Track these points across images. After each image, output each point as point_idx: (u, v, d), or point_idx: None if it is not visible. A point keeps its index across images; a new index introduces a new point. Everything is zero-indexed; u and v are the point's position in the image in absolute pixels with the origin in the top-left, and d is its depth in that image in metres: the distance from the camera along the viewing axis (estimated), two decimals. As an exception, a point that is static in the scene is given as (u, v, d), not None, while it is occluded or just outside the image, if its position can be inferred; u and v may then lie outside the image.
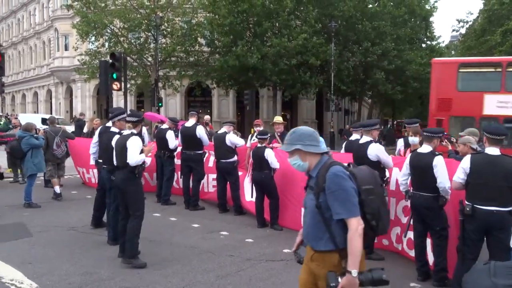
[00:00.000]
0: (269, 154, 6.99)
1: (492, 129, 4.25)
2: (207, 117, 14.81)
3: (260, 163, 7.08)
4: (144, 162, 5.37)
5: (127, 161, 5.13)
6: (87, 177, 10.68)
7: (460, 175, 4.29)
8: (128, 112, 6.09)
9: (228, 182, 8.14)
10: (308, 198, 2.69)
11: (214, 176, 8.66)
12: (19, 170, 10.98)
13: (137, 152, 5.16)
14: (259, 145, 7.27)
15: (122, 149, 5.24)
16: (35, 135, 8.56)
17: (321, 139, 2.77)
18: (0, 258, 5.34)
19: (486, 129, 4.33)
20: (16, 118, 16.87)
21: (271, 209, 7.14)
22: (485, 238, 4.21)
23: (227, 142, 8.02)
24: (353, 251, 2.46)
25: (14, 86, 50.72)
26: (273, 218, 7.13)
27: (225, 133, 8.19)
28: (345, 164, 2.69)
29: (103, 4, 25.07)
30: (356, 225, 2.46)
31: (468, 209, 4.10)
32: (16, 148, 8.78)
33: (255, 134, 8.59)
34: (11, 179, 11.12)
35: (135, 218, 5.22)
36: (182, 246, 6.07)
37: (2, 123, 13.01)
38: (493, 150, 4.15)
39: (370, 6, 28.11)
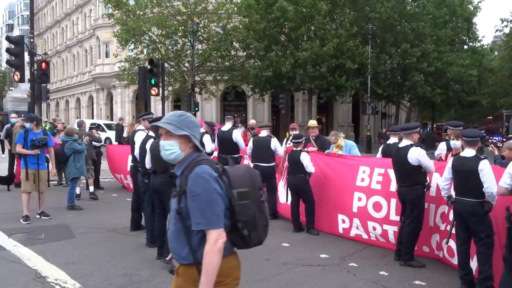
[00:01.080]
0: (305, 158, 6.95)
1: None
2: (252, 121, 14.33)
3: (295, 166, 7.05)
4: None
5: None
6: (126, 183, 10.76)
7: (506, 180, 4.09)
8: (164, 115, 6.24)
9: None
10: (172, 201, 2.33)
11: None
12: (63, 174, 11.42)
13: None
14: (294, 148, 7.25)
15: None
16: (77, 140, 8.90)
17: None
18: (46, 258, 5.56)
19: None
20: (63, 123, 17.56)
21: (307, 213, 7.09)
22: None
23: (272, 146, 8.02)
24: (207, 268, 2.12)
25: (58, 92, 52.92)
26: (309, 222, 7.07)
27: (270, 137, 8.21)
28: (216, 163, 2.32)
29: (141, 12, 25.80)
30: (215, 238, 2.13)
31: (516, 216, 3.91)
32: (60, 152, 9.15)
33: (291, 137, 8.56)
34: (56, 182, 11.58)
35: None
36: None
37: (47, 128, 13.59)
38: (542, 155, 3.95)
39: (409, 7, 27.48)
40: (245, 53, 26.79)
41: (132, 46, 27.63)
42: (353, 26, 23.68)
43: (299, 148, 7.16)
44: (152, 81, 14.76)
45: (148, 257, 5.67)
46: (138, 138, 6.34)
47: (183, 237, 2.23)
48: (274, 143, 8.07)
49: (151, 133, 6.05)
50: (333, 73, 23.83)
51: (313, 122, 8.63)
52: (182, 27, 25.64)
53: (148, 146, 5.71)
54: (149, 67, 15.13)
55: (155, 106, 31.73)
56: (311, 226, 7.04)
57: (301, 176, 6.98)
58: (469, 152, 4.70)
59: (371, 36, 24.82)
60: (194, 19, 24.86)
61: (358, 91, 27.91)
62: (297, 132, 8.96)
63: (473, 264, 4.80)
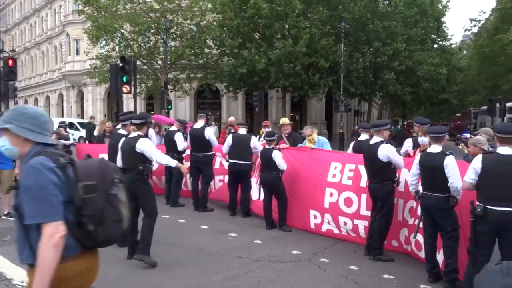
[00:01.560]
0: (277, 156, 6.97)
1: (503, 128, 4.18)
2: (231, 118, 13.40)
3: (267, 164, 7.07)
4: (151, 163, 5.42)
5: (157, 161, 5.55)
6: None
7: (471, 176, 4.22)
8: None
9: (239, 184, 8.12)
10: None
11: (221, 177, 8.67)
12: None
13: (157, 150, 5.51)
14: (267, 146, 7.27)
15: (129, 152, 5.30)
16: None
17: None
18: (12, 260, 5.38)
19: (496, 128, 4.26)
20: None
21: (280, 210, 7.12)
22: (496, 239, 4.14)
23: (252, 144, 8.00)
24: (40, 265, 1.94)
25: (27, 90, 51.39)
26: (281, 219, 7.11)
27: (250, 135, 8.20)
28: (62, 154, 2.16)
29: (113, 9, 25.32)
30: (50, 232, 1.95)
31: (479, 210, 4.02)
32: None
33: (263, 135, 8.59)
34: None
35: (150, 217, 5.32)
36: (191, 247, 6.08)
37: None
38: (505, 150, 4.07)
39: (381, 7, 27.93)
40: (219, 51, 26.67)
41: (104, 43, 27.09)
42: (326, 24, 23.89)
43: (271, 146, 7.20)
44: (124, 79, 14.50)
45: (120, 256, 5.56)
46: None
47: (23, 235, 2.05)
48: (254, 141, 8.09)
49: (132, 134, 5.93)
50: (306, 71, 23.99)
51: (285, 120, 8.67)
52: (155, 24, 25.30)
53: (120, 144, 5.66)
54: (121, 64, 14.86)
55: (127, 104, 31.24)
56: (284, 223, 7.09)
57: (273, 173, 7.01)
58: (435, 148, 4.82)
59: (344, 34, 25.12)
60: (167, 16, 24.56)
61: (331, 89, 28.22)
62: (270, 129, 8.99)
63: (440, 257, 4.92)
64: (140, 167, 5.26)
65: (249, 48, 23.12)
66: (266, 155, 7.09)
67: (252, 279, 4.90)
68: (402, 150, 7.23)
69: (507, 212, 3.91)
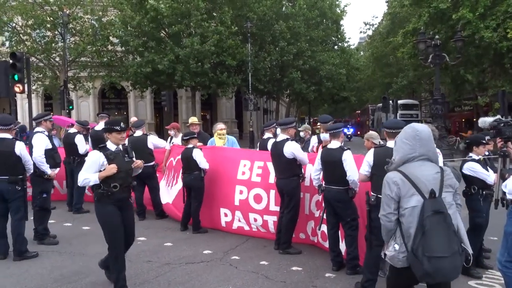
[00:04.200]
0: (197, 155, 6.82)
1: (390, 124, 4.57)
2: (134, 119, 12.75)
3: (188, 164, 6.89)
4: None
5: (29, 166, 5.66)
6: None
7: (365, 168, 4.55)
8: None
9: (146, 187, 7.87)
10: None
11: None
12: None
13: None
14: (187, 146, 7.07)
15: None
16: None
17: None
18: None
19: (385, 124, 4.65)
20: None
21: (193, 211, 6.96)
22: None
23: (149, 145, 7.76)
24: None
25: None
26: (196, 222, 6.96)
27: (146, 135, 7.95)
28: None
29: (2, 0, 22.99)
30: None
31: (373, 199, 4.35)
32: None
33: (180, 136, 8.38)
34: None
35: (20, 220, 5.58)
36: (97, 255, 5.71)
37: None
38: (392, 143, 4.44)
39: (285, 8, 28.91)
40: (123, 48, 25.57)
41: (-9, 37, 24.54)
42: (233, 24, 24.10)
43: (190, 145, 7.02)
44: (16, 77, 13.25)
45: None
46: (37, 141, 6.21)
47: None
48: (151, 140, 7.86)
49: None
50: (214, 69, 24.00)
51: (194, 119, 8.57)
52: (51, 18, 23.46)
53: None
54: (11, 61, 13.56)
55: (23, 104, 28.70)
56: (199, 226, 6.95)
57: (195, 173, 6.85)
58: (334, 144, 5.12)
59: (250, 34, 25.58)
60: (65, 10, 22.91)
61: (240, 87, 28.59)
62: (173, 132, 8.83)
63: (343, 246, 5.24)
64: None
65: (152, 47, 22.48)
66: (187, 155, 6.91)
67: (161, 283, 4.79)
68: (309, 147, 7.57)
69: None
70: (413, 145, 2.93)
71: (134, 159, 4.61)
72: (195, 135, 7.22)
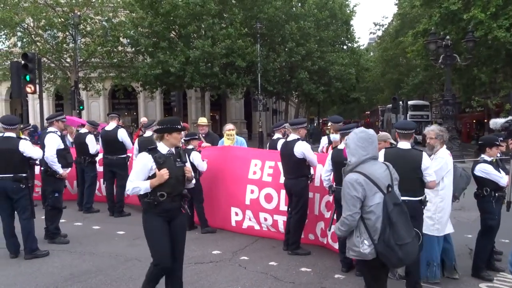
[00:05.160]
0: (195, 157, 6.82)
1: (401, 124, 4.54)
2: (144, 119, 12.29)
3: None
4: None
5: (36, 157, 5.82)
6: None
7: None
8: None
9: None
10: None
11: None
12: None
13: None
14: (187, 147, 7.10)
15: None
16: None
17: None
18: None
19: (396, 125, 4.61)
20: None
21: (198, 213, 7.00)
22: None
23: None
24: None
25: None
26: (203, 222, 7.00)
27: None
28: None
29: (15, 1, 23.27)
30: None
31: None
32: None
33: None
34: None
35: (29, 218, 5.65)
36: (106, 255, 5.80)
37: None
38: (404, 144, 4.42)
39: (294, 9, 28.87)
40: (133, 49, 25.74)
41: (3, 38, 24.81)
42: (243, 25, 24.14)
43: (190, 146, 7.05)
44: (27, 78, 13.42)
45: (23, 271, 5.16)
46: (49, 140, 6.30)
47: None
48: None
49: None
50: (224, 70, 24.06)
51: (202, 120, 8.59)
52: (62, 19, 23.69)
53: None
54: (23, 62, 13.73)
55: (34, 104, 29.02)
56: (206, 225, 6.99)
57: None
58: (344, 145, 5.08)
59: (260, 35, 25.59)
60: (76, 11, 23.11)
61: (249, 88, 28.60)
62: (183, 133, 8.81)
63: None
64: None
65: (164, 48, 22.60)
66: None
67: (171, 283, 4.79)
68: (319, 148, 7.55)
69: (406, 201, 4.23)
70: (366, 147, 3.21)
71: (187, 164, 4.07)
72: (197, 137, 7.25)
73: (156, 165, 3.76)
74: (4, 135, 5.66)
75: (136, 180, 3.75)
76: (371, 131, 3.34)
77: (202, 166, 6.85)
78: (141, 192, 3.75)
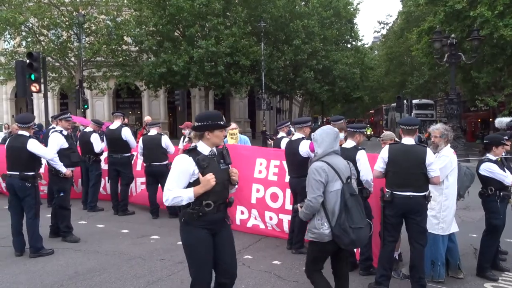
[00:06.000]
0: None
1: (406, 121, 4.53)
2: (148, 118, 12.45)
3: None
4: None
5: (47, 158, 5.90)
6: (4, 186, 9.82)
7: (380, 164, 4.52)
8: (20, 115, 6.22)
9: (160, 186, 7.91)
10: None
11: (143, 179, 8.39)
12: None
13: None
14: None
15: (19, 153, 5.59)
16: None
17: None
18: None
19: (400, 121, 4.61)
20: None
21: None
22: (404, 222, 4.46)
23: (163, 144, 7.81)
24: None
25: None
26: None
27: (160, 134, 7.99)
28: None
29: (19, 1, 23.36)
30: None
31: (387, 195, 4.33)
32: None
33: (187, 136, 8.46)
34: None
35: (34, 217, 5.66)
36: (111, 253, 5.81)
37: None
38: (408, 140, 4.42)
39: (298, 7, 28.82)
40: (137, 48, 25.80)
41: (8, 37, 24.92)
42: (247, 24, 24.12)
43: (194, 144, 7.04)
44: (32, 77, 13.48)
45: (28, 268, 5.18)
46: (52, 140, 6.39)
47: None
48: (165, 140, 7.88)
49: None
50: (228, 69, 24.06)
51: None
52: (66, 18, 23.76)
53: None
54: (28, 61, 13.79)
55: (39, 104, 29.13)
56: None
57: None
58: (349, 143, 5.08)
59: (264, 34, 25.56)
60: (80, 11, 23.18)
61: (253, 87, 28.62)
62: (187, 131, 8.85)
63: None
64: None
65: (168, 47, 22.61)
66: None
67: (175, 281, 4.81)
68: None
69: (411, 196, 4.26)
70: (331, 142, 3.64)
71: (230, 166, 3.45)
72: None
73: (199, 169, 3.17)
74: (18, 133, 5.77)
75: (176, 189, 3.15)
76: (335, 129, 3.79)
77: None
78: (183, 203, 3.15)
